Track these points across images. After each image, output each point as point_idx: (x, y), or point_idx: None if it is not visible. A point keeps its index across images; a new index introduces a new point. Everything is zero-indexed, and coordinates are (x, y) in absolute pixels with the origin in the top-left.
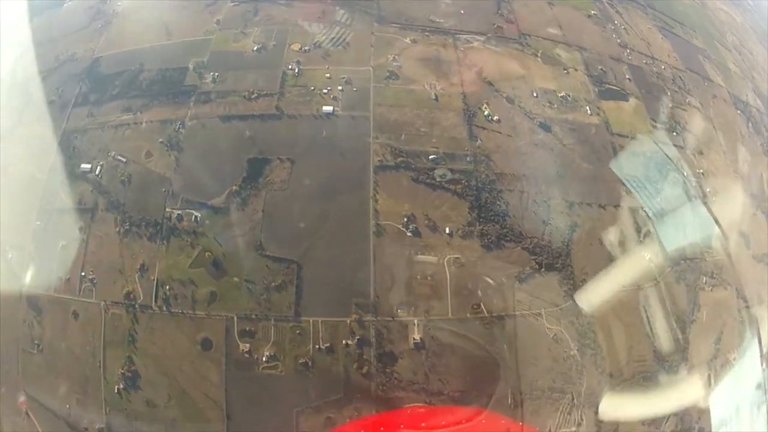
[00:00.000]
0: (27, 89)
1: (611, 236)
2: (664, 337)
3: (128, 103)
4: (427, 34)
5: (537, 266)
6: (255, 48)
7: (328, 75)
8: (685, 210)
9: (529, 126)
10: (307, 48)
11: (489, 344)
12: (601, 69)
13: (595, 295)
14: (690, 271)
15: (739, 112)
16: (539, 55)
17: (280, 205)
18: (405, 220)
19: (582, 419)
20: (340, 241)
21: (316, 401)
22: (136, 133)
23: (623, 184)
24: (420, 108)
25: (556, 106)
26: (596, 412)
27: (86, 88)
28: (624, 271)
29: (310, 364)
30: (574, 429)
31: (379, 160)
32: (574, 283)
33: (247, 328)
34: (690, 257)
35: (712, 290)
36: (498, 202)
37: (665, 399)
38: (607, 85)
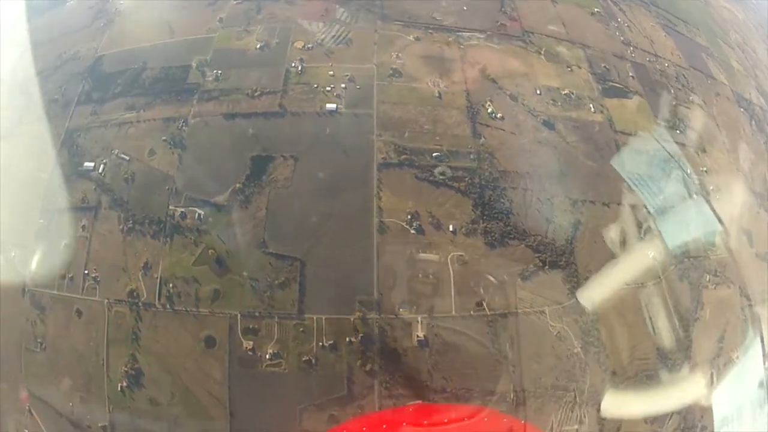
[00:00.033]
0: (29, 88)
1: (615, 234)
2: (667, 335)
3: (131, 101)
4: (430, 31)
5: (540, 264)
6: (258, 46)
7: (331, 72)
8: (689, 208)
9: (532, 123)
10: (310, 46)
11: (492, 342)
12: (605, 66)
13: (598, 292)
14: (693, 269)
15: (742, 110)
16: (542, 52)
17: (284, 202)
18: (409, 217)
19: (585, 417)
20: (344, 239)
21: (320, 398)
22: (139, 131)
23: (626, 181)
24: (423, 105)
25: (559, 103)
26: (599, 410)
27: (89, 87)
28: (627, 268)
29: (313, 361)
30: (577, 427)
31: (382, 158)
32: (578, 280)
33: (251, 326)
34: (693, 255)
35: (715, 288)
36: (501, 200)
37: (668, 397)
38: (611, 83)
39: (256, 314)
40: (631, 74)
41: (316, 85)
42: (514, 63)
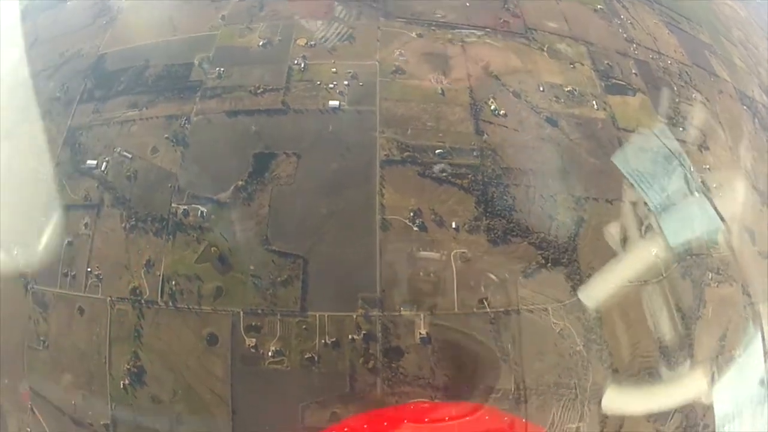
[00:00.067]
0: (31, 86)
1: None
2: (669, 332)
3: (134, 99)
4: (433, 28)
5: (543, 261)
6: (261, 43)
7: (334, 70)
8: (691, 205)
9: (535, 120)
10: (313, 43)
11: (495, 339)
12: (608, 64)
13: (601, 290)
14: (696, 266)
15: (745, 107)
16: (545, 49)
17: (286, 199)
18: (411, 214)
19: (587, 415)
20: (347, 236)
21: (322, 396)
22: (141, 128)
23: (629, 179)
24: (426, 102)
25: (562, 100)
26: (601, 408)
27: (91, 85)
28: (630, 266)
29: (316, 359)
30: (579, 425)
31: (385, 155)
32: (581, 278)
33: (253, 323)
34: (696, 253)
35: (717, 286)
36: (504, 197)
37: (669, 395)
38: (614, 80)
39: (259, 312)
40: (634, 71)
41: (318, 82)
42: (517, 60)
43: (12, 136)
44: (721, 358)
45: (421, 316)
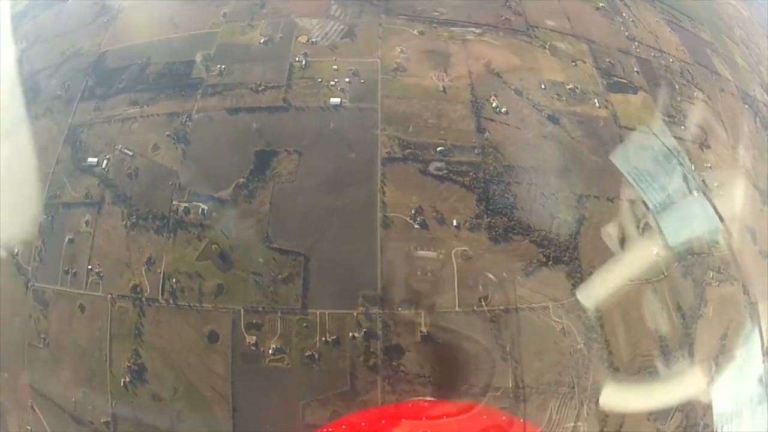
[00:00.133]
0: (33, 84)
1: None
2: (670, 332)
3: (135, 96)
4: (434, 26)
5: (544, 259)
6: (262, 40)
7: (335, 67)
8: (692, 205)
9: (537, 118)
10: (314, 40)
11: (495, 337)
12: (609, 61)
13: (601, 289)
14: (697, 266)
15: (746, 106)
16: (547, 47)
17: (288, 197)
18: (412, 212)
19: (587, 414)
20: (348, 234)
21: (323, 394)
22: (142, 126)
23: (630, 177)
24: (428, 100)
25: (564, 98)
26: (601, 407)
27: (92, 83)
28: (631, 265)
29: (316, 356)
30: (579, 423)
31: (386, 152)
32: (582, 276)
33: (254, 321)
34: (697, 252)
35: (719, 285)
36: (506, 195)
37: (670, 393)
38: (616, 78)
39: (260, 309)
40: (635, 69)
41: (320, 80)
42: (519, 57)
43: (13, 134)
44: (721, 357)
45: (422, 314)
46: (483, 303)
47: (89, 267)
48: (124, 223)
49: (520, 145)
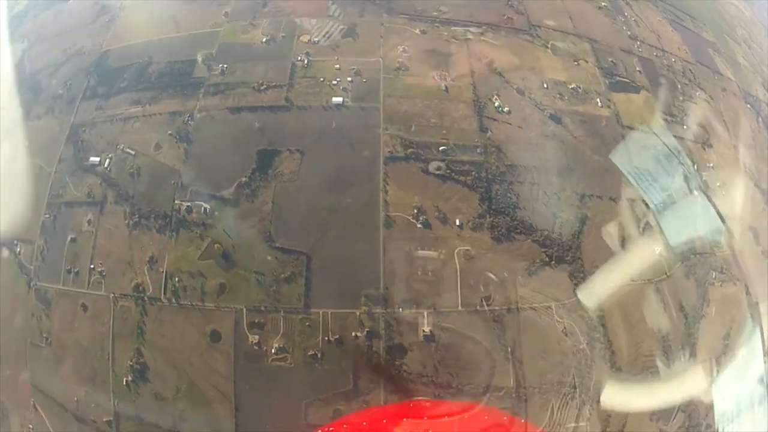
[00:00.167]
0: (34, 83)
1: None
2: (672, 331)
3: (137, 95)
4: (436, 25)
5: (547, 259)
6: (264, 40)
7: (337, 66)
8: (695, 204)
9: (539, 117)
10: (316, 39)
11: (498, 337)
12: (612, 61)
13: (604, 288)
14: (700, 266)
15: (749, 106)
16: (549, 46)
17: (290, 196)
18: (415, 211)
19: (590, 414)
20: (350, 233)
21: (325, 393)
22: (145, 125)
23: (631, 177)
24: (430, 99)
25: (566, 97)
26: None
27: (94, 82)
28: (634, 264)
29: (319, 356)
30: (581, 423)
31: (389, 152)
32: (584, 276)
33: (257, 320)
34: (700, 252)
35: (721, 285)
36: (508, 194)
37: (672, 393)
38: (618, 78)
39: (262, 308)
40: (638, 69)
41: (322, 79)
42: (521, 57)
43: (15, 133)
44: (723, 357)
45: (425, 313)
46: (485, 303)
47: (91, 266)
48: (126, 222)
49: (522, 145)
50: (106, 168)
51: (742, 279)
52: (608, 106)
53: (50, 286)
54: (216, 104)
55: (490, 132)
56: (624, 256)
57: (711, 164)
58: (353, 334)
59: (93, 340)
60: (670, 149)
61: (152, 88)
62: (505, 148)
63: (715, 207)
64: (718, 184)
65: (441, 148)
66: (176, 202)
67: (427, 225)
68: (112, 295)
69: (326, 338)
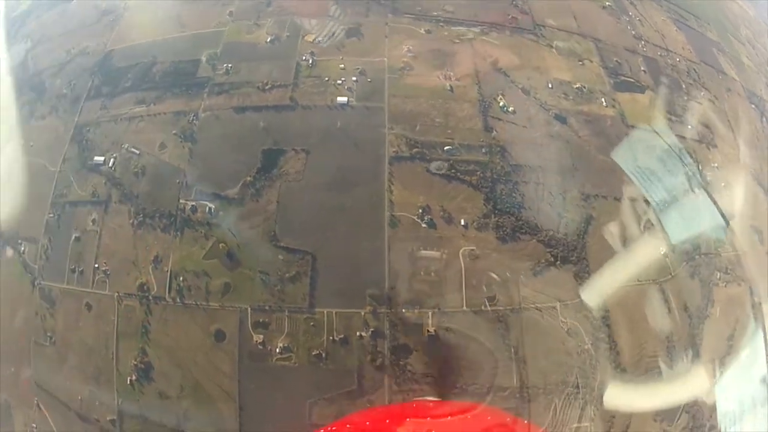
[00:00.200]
0: (38, 83)
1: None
2: (676, 332)
3: (141, 95)
4: (441, 24)
5: (552, 259)
6: (268, 39)
7: (342, 66)
8: (699, 204)
9: (544, 117)
10: (319, 39)
11: (502, 337)
12: (616, 61)
13: (608, 289)
14: (704, 266)
15: (753, 106)
16: (554, 46)
17: (295, 196)
18: (420, 211)
19: (593, 414)
20: (355, 233)
21: (330, 393)
22: (149, 125)
23: (636, 177)
24: (435, 99)
25: (571, 97)
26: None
27: (99, 81)
28: (638, 265)
29: (323, 355)
30: (585, 424)
31: (394, 151)
32: (589, 276)
33: (261, 320)
34: (704, 252)
35: (726, 286)
36: (513, 194)
37: (676, 394)
38: (623, 77)
39: (267, 308)
40: (642, 68)
41: (327, 79)
42: (526, 56)
43: (19, 131)
44: (727, 358)
45: (429, 313)
46: (490, 303)
47: (96, 265)
48: (131, 221)
49: (527, 145)
50: (111, 167)
51: (746, 279)
52: (613, 106)
53: (54, 285)
54: (221, 104)
55: (495, 132)
56: (628, 257)
57: (715, 164)
58: (358, 333)
59: (97, 339)
60: (674, 149)
61: (157, 88)
62: (510, 148)
63: (718, 207)
64: (722, 183)
65: (446, 148)
66: (181, 201)
67: (432, 225)
68: (116, 294)
69: (331, 338)
